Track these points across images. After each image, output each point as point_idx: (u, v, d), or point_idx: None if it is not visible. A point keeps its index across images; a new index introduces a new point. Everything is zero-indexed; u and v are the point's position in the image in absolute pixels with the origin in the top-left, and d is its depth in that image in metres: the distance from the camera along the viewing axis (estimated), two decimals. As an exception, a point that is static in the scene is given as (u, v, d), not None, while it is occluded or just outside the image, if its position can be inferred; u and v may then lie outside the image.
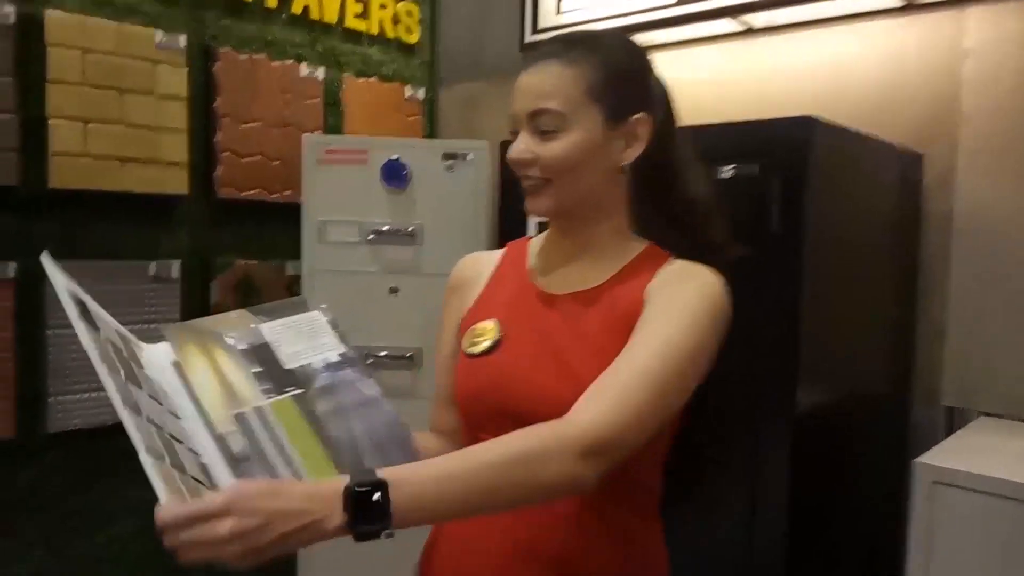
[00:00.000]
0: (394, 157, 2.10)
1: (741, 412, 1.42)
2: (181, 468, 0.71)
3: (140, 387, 0.76)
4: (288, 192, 2.50)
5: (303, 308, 0.93)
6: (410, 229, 2.12)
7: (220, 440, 0.78)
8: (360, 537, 0.67)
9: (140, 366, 0.80)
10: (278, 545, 0.64)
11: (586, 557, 0.87)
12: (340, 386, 0.87)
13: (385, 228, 2.12)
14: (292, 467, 0.79)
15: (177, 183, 2.27)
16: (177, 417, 0.79)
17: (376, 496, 0.66)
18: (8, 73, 1.96)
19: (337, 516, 0.66)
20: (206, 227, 2.40)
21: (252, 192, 2.44)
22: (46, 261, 0.75)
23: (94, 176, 2.11)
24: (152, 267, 2.25)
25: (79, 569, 2.11)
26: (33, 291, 2.06)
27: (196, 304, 2.36)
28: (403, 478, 0.69)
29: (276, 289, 2.53)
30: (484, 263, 1.04)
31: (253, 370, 0.84)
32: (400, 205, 2.13)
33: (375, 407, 0.88)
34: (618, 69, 0.91)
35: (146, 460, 0.67)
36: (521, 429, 0.77)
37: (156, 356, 0.84)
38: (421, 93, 2.86)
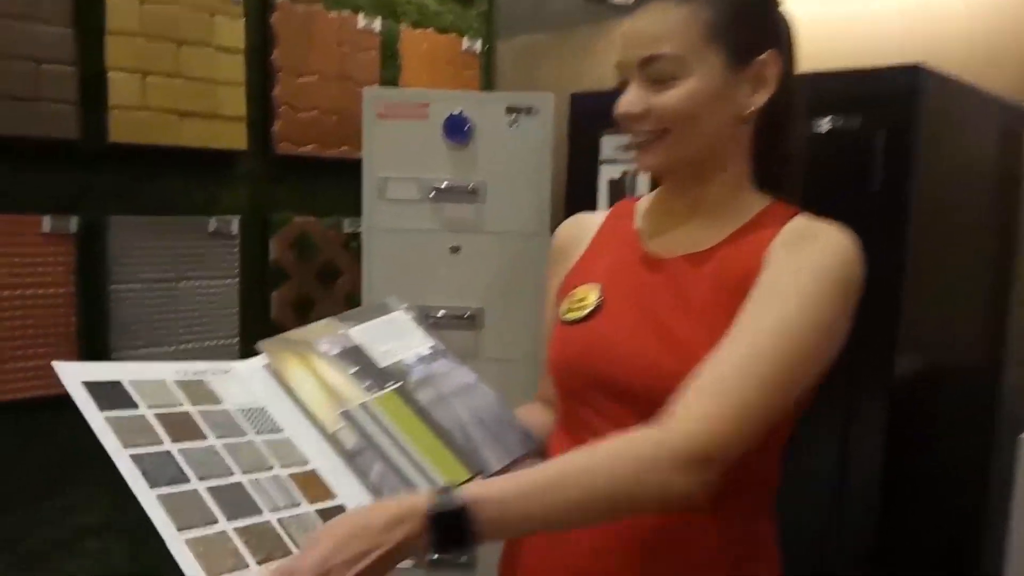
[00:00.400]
0: (456, 111, 2.02)
1: (837, 380, 1.34)
2: (252, 511, 0.70)
3: (203, 437, 0.75)
4: (344, 148, 2.45)
5: (386, 310, 0.96)
6: (472, 186, 2.05)
7: (332, 439, 0.80)
8: (437, 553, 0.66)
9: (216, 401, 0.80)
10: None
11: (687, 552, 0.80)
12: (436, 376, 0.89)
13: (446, 185, 2.06)
14: (408, 454, 0.80)
15: (235, 138, 2.23)
16: (277, 431, 0.80)
17: (458, 519, 0.65)
18: (67, 24, 1.92)
19: (420, 538, 0.65)
20: (264, 183, 2.37)
21: (309, 147, 2.40)
22: (57, 365, 0.74)
23: (153, 130, 2.08)
24: (212, 223, 2.22)
25: (145, 519, 2.13)
26: (95, 246, 2.05)
27: (255, 261, 2.34)
28: (486, 497, 0.66)
29: (333, 247, 2.50)
30: (587, 225, 0.96)
31: (351, 372, 0.86)
32: (462, 161, 2.05)
33: (475, 392, 0.89)
34: (740, 2, 0.81)
35: (176, 540, 0.65)
36: (616, 437, 0.71)
37: (249, 371, 0.86)
38: (478, 45, 2.77)
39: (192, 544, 0.65)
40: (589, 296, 0.86)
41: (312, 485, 0.76)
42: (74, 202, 2.02)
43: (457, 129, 2.03)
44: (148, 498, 0.67)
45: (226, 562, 0.65)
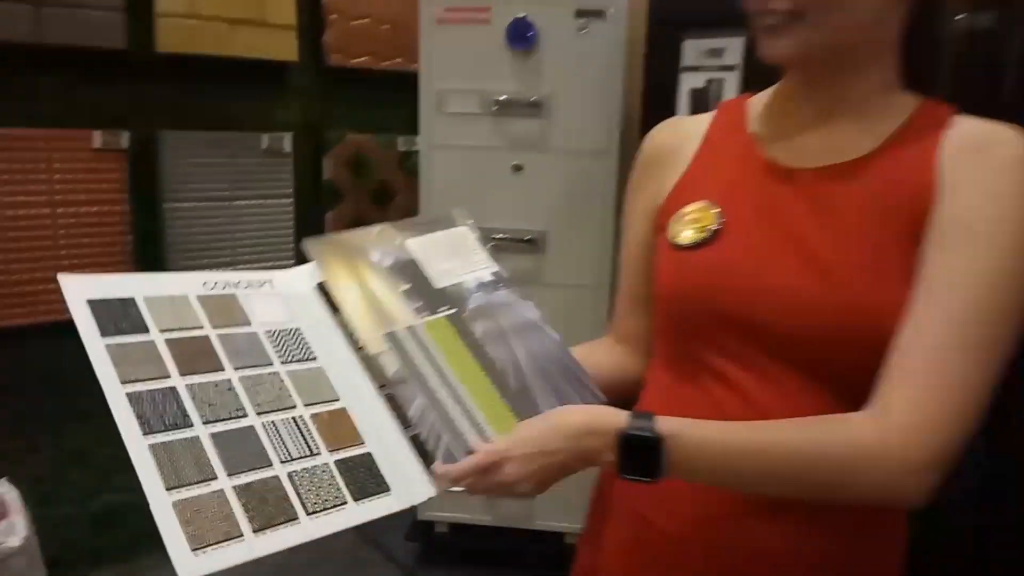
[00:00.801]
0: (520, 15, 1.86)
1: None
2: (260, 463, 0.63)
3: (219, 368, 0.67)
4: (399, 60, 2.32)
5: (449, 223, 0.85)
6: (536, 98, 1.90)
7: (372, 362, 0.71)
8: (626, 478, 0.65)
9: (244, 321, 0.72)
10: (555, 478, 0.66)
11: (804, 547, 0.70)
12: (496, 307, 0.79)
13: (509, 97, 1.92)
14: (453, 392, 0.71)
15: (286, 49, 2.13)
16: (310, 359, 0.72)
17: (650, 449, 0.63)
18: (108, -78, 1.81)
19: (607, 454, 0.64)
20: (316, 98, 2.26)
21: (362, 59, 2.27)
22: (63, 278, 0.66)
23: (202, 40, 1.98)
24: (264, 140, 2.14)
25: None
26: (147, 163, 1.99)
27: (308, 180, 2.27)
28: (685, 437, 0.63)
29: (388, 166, 2.40)
30: (687, 130, 0.82)
31: (402, 288, 0.77)
32: (526, 71, 1.91)
33: (536, 331, 0.78)
34: None
35: (162, 501, 0.57)
36: (824, 417, 0.64)
37: (291, 284, 0.77)
38: (541, -54, 2.56)
39: (180, 507, 0.57)
40: (706, 215, 0.73)
41: (338, 427, 0.68)
42: (123, 116, 1.95)
43: (521, 35, 1.87)
44: (138, 448, 0.59)
45: (217, 530, 0.57)
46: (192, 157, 2.04)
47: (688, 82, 1.60)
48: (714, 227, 0.72)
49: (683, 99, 1.63)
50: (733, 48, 1.50)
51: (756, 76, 0.81)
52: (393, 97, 2.32)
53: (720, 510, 0.71)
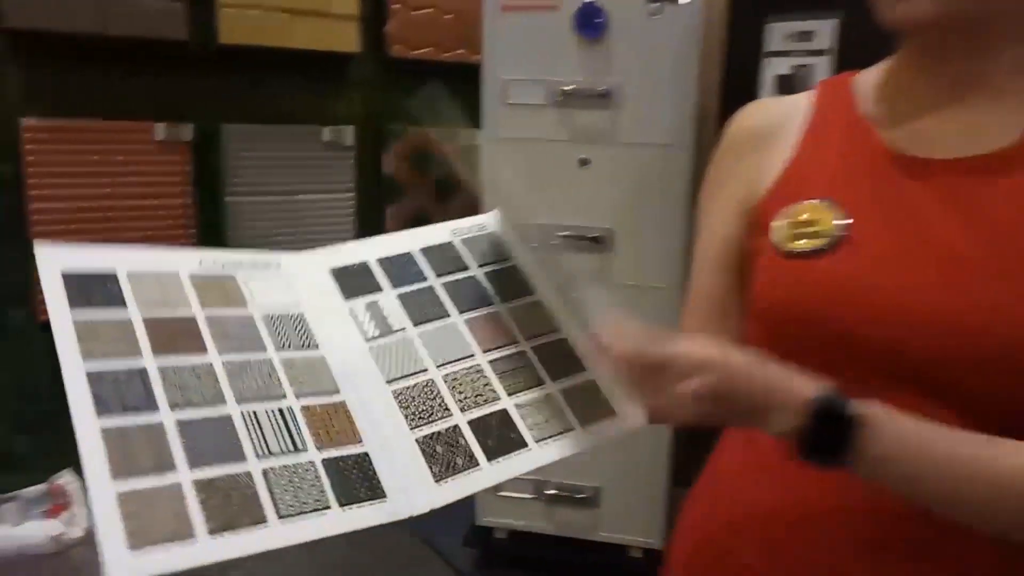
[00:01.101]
0: (589, 0, 1.77)
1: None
2: (231, 456, 0.55)
3: (201, 350, 0.59)
4: (461, 51, 2.25)
5: None
6: (605, 89, 1.81)
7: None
8: (800, 457, 0.55)
9: (240, 303, 0.64)
10: (720, 417, 0.57)
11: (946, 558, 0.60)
12: None
13: (576, 87, 1.82)
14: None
15: (347, 40, 2.09)
16: (310, 347, 0.64)
17: (840, 428, 0.53)
18: (172, -87, 1.80)
19: (786, 421, 0.54)
20: (378, 90, 2.22)
21: (424, 51, 2.21)
22: (38, 246, 0.59)
23: (263, 31, 1.95)
24: (325, 133, 2.11)
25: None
26: (208, 155, 1.98)
27: (369, 174, 2.23)
28: (882, 421, 0.53)
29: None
30: (784, 111, 0.71)
31: None
32: (594, 60, 1.81)
33: None
34: None
35: (104, 492, 0.49)
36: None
37: (303, 267, 0.69)
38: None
39: (124, 498, 0.49)
40: (823, 216, 0.63)
41: (333, 422, 0.60)
42: (185, 108, 1.94)
43: (589, 21, 1.78)
44: (88, 430, 0.51)
45: (164, 528, 0.49)
46: (253, 150, 2.02)
47: (772, 69, 1.48)
48: (835, 231, 0.61)
49: (766, 88, 1.51)
50: (823, 31, 1.37)
51: (851, 61, 0.70)
52: (456, 89, 2.26)
53: (813, 539, 0.62)
